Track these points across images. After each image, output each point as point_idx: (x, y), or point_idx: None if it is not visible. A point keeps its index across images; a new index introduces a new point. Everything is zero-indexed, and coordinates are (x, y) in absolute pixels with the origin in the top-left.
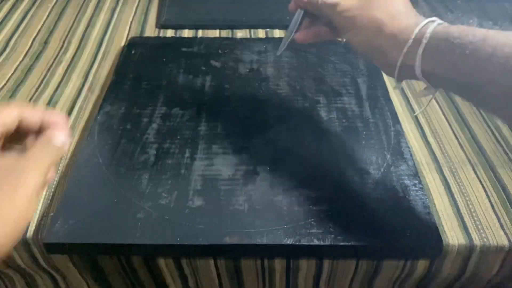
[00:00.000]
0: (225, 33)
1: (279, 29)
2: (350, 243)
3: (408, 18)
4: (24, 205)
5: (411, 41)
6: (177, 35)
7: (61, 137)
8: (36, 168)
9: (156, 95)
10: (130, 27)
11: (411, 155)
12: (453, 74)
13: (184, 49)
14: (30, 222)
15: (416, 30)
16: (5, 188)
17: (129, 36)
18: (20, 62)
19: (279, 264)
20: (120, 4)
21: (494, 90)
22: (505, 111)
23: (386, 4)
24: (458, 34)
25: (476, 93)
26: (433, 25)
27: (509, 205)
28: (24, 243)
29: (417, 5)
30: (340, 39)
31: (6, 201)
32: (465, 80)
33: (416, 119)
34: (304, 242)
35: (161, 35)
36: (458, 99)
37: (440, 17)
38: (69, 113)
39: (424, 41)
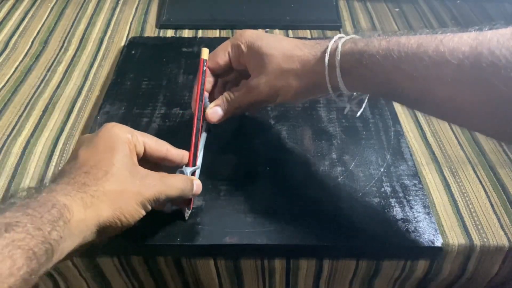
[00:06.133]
0: (225, 33)
1: (279, 29)
2: (350, 243)
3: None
4: (128, 199)
5: (326, 64)
6: (177, 35)
7: (198, 184)
8: (160, 185)
9: (156, 95)
10: (130, 27)
11: (411, 155)
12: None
13: (184, 49)
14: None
15: (326, 60)
16: (124, 175)
17: (129, 36)
18: (20, 62)
19: (279, 264)
20: (120, 4)
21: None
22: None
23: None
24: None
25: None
26: (339, 45)
27: (509, 205)
28: None
29: (418, 5)
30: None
31: (116, 184)
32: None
33: (416, 119)
34: (304, 242)
35: (161, 35)
36: None
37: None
38: (69, 113)
39: (338, 62)
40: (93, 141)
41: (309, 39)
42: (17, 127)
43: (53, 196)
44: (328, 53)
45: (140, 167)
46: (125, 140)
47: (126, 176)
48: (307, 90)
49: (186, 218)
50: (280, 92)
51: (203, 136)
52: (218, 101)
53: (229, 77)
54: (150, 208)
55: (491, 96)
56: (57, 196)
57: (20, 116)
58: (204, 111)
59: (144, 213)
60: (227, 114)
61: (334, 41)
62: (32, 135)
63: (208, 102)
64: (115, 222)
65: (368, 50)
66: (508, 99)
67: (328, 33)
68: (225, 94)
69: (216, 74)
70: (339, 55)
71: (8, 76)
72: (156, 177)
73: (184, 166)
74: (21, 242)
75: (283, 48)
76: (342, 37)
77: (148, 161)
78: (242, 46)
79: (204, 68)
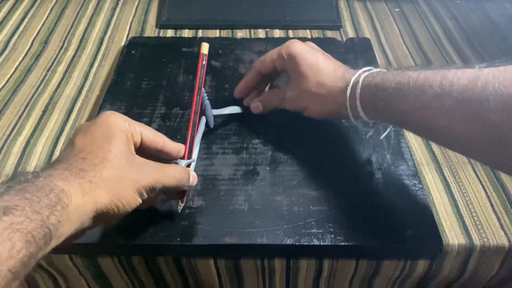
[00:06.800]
0: (225, 33)
1: (279, 29)
2: (350, 243)
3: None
4: (123, 186)
5: (348, 93)
6: (177, 35)
7: (194, 176)
8: (157, 174)
9: (156, 95)
10: (130, 27)
11: (411, 155)
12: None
13: (184, 49)
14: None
15: (348, 92)
16: (120, 164)
17: (129, 36)
18: (20, 62)
19: (279, 264)
20: (120, 4)
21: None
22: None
23: (318, 81)
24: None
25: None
26: (360, 80)
27: (509, 205)
28: None
29: (418, 5)
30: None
31: (113, 171)
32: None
33: None
34: (304, 242)
35: (161, 35)
36: None
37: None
38: (69, 113)
39: (358, 95)
40: (90, 128)
41: (309, 39)
42: (17, 127)
43: (51, 181)
44: (350, 87)
45: (137, 155)
46: (122, 128)
47: (123, 163)
48: (329, 114)
49: (179, 211)
50: (306, 110)
51: (200, 131)
52: (261, 97)
53: (274, 75)
54: (146, 196)
55: (484, 126)
56: (55, 181)
57: (20, 116)
58: (202, 105)
59: (140, 201)
60: (265, 111)
61: (357, 76)
62: (32, 135)
63: (206, 96)
64: (112, 209)
65: (383, 84)
66: (498, 129)
67: (328, 33)
68: (266, 94)
69: (262, 73)
70: (359, 89)
71: (8, 76)
72: (153, 166)
73: (179, 159)
74: (20, 226)
75: (318, 72)
76: (366, 70)
77: (144, 153)
78: (286, 58)
79: (204, 62)
